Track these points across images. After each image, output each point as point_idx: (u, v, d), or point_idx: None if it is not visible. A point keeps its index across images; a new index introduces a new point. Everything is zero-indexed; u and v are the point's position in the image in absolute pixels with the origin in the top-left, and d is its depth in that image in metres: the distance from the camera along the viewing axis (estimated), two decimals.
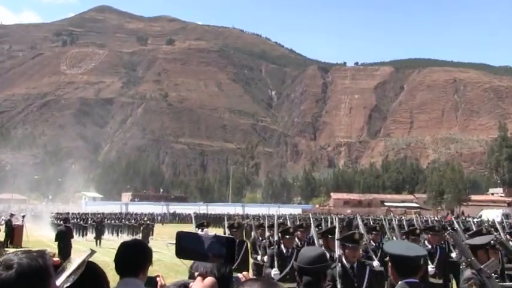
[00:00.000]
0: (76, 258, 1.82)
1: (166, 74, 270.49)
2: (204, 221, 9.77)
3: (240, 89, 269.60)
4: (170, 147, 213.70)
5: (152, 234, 30.52)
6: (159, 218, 62.28)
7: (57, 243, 16.91)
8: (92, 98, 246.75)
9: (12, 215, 28.13)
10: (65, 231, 17.07)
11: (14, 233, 25.36)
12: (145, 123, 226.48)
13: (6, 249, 22.79)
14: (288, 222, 12.38)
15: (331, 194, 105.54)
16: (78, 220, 33.89)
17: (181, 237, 1.79)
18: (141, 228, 30.61)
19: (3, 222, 25.57)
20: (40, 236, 36.29)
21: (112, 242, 28.68)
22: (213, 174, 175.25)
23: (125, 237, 33.68)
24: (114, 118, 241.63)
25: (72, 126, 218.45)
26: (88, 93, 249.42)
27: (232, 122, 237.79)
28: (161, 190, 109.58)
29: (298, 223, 11.59)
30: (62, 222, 21.09)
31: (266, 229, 9.90)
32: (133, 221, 34.35)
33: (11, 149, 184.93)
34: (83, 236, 31.93)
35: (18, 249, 1.44)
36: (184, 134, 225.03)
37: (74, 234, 28.49)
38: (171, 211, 71.91)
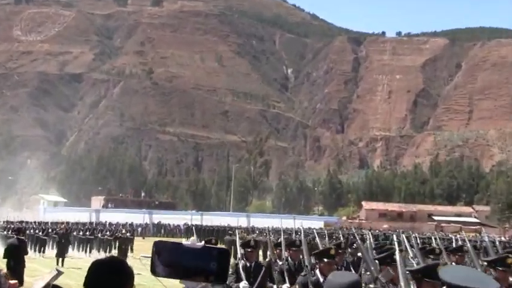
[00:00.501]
0: (39, 281, 1.81)
1: (152, 44, 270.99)
2: (212, 237, 9.56)
3: (247, 65, 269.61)
4: (155, 139, 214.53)
5: (131, 251, 30.41)
6: (140, 229, 62.49)
7: (6, 260, 16.75)
8: (54, 73, 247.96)
9: None
10: (17, 245, 16.92)
11: None
12: (124, 107, 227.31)
13: None
14: (317, 238, 12.15)
15: (363, 203, 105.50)
16: (35, 231, 33.86)
17: (158, 248, 1.80)
18: (117, 242, 30.49)
19: None
20: None
21: (79, 260, 28.57)
22: (210, 174, 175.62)
23: (97, 254, 33.61)
24: (83, 100, 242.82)
25: (29, 110, 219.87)
26: (50, 66, 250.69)
27: (236, 108, 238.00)
28: (143, 194, 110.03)
29: (330, 240, 11.44)
30: (13, 233, 20.95)
31: (283, 248, 9.70)
32: (107, 233, 34.34)
33: None
34: (40, 251, 31.90)
35: None
36: (173, 121, 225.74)
37: (29, 249, 28.41)
38: (155, 221, 72.10)
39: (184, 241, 1.82)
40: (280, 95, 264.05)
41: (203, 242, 1.84)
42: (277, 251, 10.03)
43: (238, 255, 8.17)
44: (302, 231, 10.27)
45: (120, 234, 31.16)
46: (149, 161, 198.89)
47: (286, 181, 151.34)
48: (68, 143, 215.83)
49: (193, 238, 1.92)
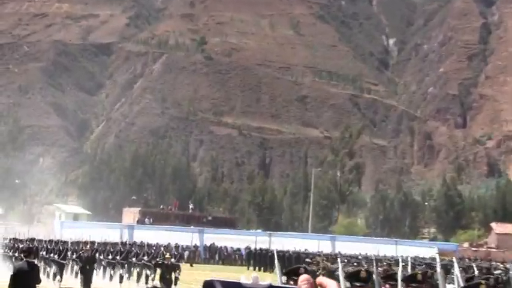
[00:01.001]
0: None
1: (204, 4, 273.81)
2: (301, 266, 9.31)
3: (332, 33, 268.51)
4: (208, 133, 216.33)
5: (175, 283, 30.20)
6: (187, 253, 62.83)
7: None
8: (75, 44, 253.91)
9: None
10: (27, 270, 17.06)
11: None
12: (167, 89, 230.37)
13: None
14: (438, 269, 11.74)
15: (492, 224, 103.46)
16: (50, 253, 34.29)
17: None
18: (159, 269, 30.51)
19: None
20: None
21: None
22: (282, 181, 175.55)
23: (130, 284, 33.85)
24: (113, 79, 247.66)
25: (42, 91, 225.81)
26: (69, 34, 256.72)
27: (317, 92, 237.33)
28: (191, 206, 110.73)
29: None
30: (21, 254, 21.15)
31: (400, 283, 9.53)
32: (144, 257, 34.48)
33: None
34: (55, 278, 32.28)
35: None
36: (232, 109, 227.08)
37: (42, 275, 28.76)
38: (207, 243, 72.53)
39: (243, 278, 1.81)
40: (378, 75, 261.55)
41: (269, 282, 1.82)
42: (387, 287, 9.82)
43: None
44: (409, 263, 10.15)
45: (162, 260, 31.11)
46: (200, 162, 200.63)
47: (385, 192, 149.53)
48: (92, 136, 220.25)
49: (255, 275, 1.88)
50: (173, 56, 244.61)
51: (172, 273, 29.93)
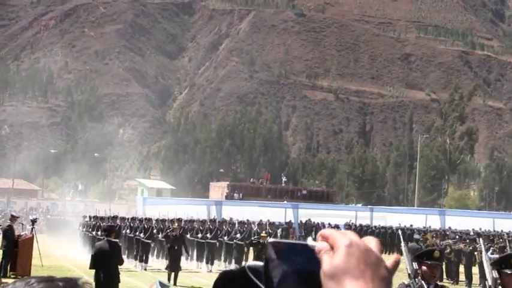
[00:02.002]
0: None
1: None
2: (435, 248, 9.95)
3: None
4: (302, 98, 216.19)
5: None
6: (280, 231, 63.02)
7: (94, 271, 17.34)
8: (155, 3, 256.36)
9: (13, 218, 29.40)
10: (108, 250, 17.35)
11: (17, 251, 26.63)
12: (255, 50, 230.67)
13: (4, 280, 24.29)
14: None
15: None
16: (134, 232, 34.97)
17: (276, 251, 1.79)
18: (253, 248, 30.78)
19: None
20: (63, 257, 38.42)
21: (196, 274, 29.38)
22: (384, 150, 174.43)
23: (223, 264, 34.30)
24: (196, 40, 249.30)
25: (119, 56, 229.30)
26: None
27: (423, 49, 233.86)
28: (284, 179, 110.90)
29: None
30: (102, 233, 21.62)
31: None
32: (236, 235, 34.73)
33: (11, 97, 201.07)
34: (142, 260, 32.99)
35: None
36: (328, 71, 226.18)
37: (125, 256, 29.41)
38: (303, 219, 72.52)
39: (310, 239, 1.79)
40: (492, 29, 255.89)
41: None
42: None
43: (409, 271, 9.15)
44: None
45: (257, 238, 31.21)
46: (293, 131, 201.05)
47: (501, 161, 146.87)
48: (175, 104, 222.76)
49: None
50: (261, 14, 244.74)
51: None
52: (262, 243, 26.54)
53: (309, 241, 1.79)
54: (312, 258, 1.75)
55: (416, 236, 36.07)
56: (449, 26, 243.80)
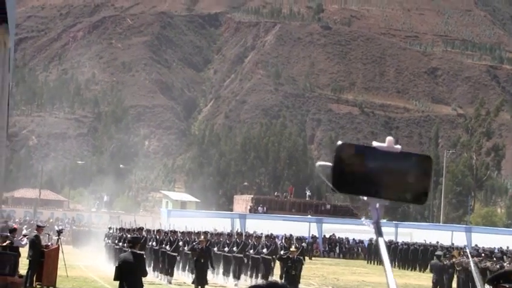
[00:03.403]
0: None
1: None
2: None
3: None
4: (327, 111, 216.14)
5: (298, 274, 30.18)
6: (305, 245, 63.20)
7: (118, 283, 17.58)
8: (181, 15, 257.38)
9: (40, 229, 29.71)
10: (132, 262, 17.55)
11: (43, 261, 26.97)
12: (280, 62, 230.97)
13: None
14: None
15: None
16: (160, 244, 35.26)
17: (343, 153, 1.98)
18: (281, 263, 30.90)
19: (25, 241, 27.24)
20: (88, 268, 38.86)
21: None
22: None
23: (249, 280, 34.40)
24: (222, 53, 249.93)
25: (146, 68, 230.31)
26: (175, 4, 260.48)
27: (450, 63, 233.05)
28: (308, 193, 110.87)
29: None
30: (127, 245, 21.90)
31: None
32: (264, 249, 34.74)
33: (39, 108, 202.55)
34: (167, 273, 33.26)
35: None
36: (353, 85, 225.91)
37: (149, 268, 29.71)
38: (327, 234, 72.72)
39: (375, 143, 1.99)
40: None
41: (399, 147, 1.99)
42: None
43: None
44: None
45: (286, 253, 31.21)
46: (318, 144, 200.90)
47: None
48: (200, 116, 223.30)
49: (390, 138, 2.07)
50: (287, 26, 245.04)
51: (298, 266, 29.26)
52: (291, 258, 26.39)
53: (374, 143, 2.04)
54: (374, 161, 1.98)
55: (438, 253, 36.06)
56: (476, 40, 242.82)
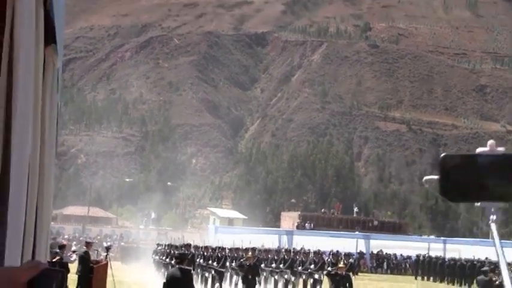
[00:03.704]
0: None
1: None
2: None
3: None
4: (374, 129, 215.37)
5: None
6: (352, 261, 62.99)
7: None
8: (228, 34, 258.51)
9: (89, 245, 30.03)
10: (180, 277, 17.66)
11: (92, 277, 27.20)
12: (327, 81, 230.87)
13: None
14: None
15: None
16: (207, 260, 35.36)
17: (448, 164, 2.09)
18: (330, 279, 30.79)
19: (74, 257, 27.47)
20: (136, 284, 39.10)
21: None
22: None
23: None
24: (269, 71, 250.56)
25: (193, 87, 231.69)
26: (222, 24, 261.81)
27: (498, 81, 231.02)
28: (355, 210, 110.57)
29: None
30: (175, 260, 22.01)
31: None
32: (311, 265, 34.63)
33: (87, 127, 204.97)
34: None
35: None
36: (401, 102, 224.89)
37: (199, 284, 29.79)
38: (374, 250, 72.44)
39: (479, 149, 2.05)
40: None
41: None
42: None
43: None
44: None
45: (335, 269, 31.05)
46: (365, 162, 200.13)
47: None
48: (247, 135, 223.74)
49: (491, 141, 2.13)
50: (334, 45, 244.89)
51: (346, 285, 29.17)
52: (340, 274, 26.20)
53: (478, 150, 2.12)
54: (478, 166, 2.07)
55: (484, 268, 35.72)
56: None
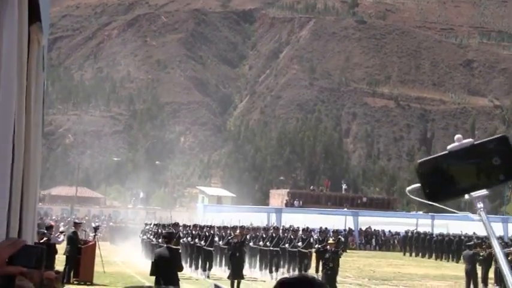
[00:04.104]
0: None
1: None
2: None
3: None
4: (362, 105, 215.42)
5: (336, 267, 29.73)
6: (342, 238, 63.28)
7: (154, 278, 17.67)
8: (215, 12, 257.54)
9: (77, 225, 30.15)
10: (168, 257, 17.58)
11: (80, 257, 27.19)
12: (315, 57, 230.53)
13: (68, 286, 24.86)
14: None
15: None
16: (194, 238, 35.36)
17: (423, 169, 2.12)
18: (318, 255, 30.64)
19: (62, 237, 27.47)
20: (125, 263, 39.09)
21: (261, 284, 29.76)
22: None
23: (286, 274, 34.26)
24: (257, 49, 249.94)
25: (181, 65, 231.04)
26: (209, 1, 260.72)
27: (485, 55, 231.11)
28: (344, 187, 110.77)
29: None
30: (163, 240, 22.00)
31: None
32: (299, 243, 34.55)
33: (75, 106, 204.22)
34: (204, 268, 33.25)
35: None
36: (389, 78, 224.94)
37: (185, 263, 29.73)
38: (363, 227, 72.61)
39: (448, 147, 2.08)
40: None
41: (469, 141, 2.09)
42: None
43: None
44: None
45: (322, 246, 31.01)
46: (353, 138, 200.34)
47: None
48: (235, 112, 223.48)
49: (459, 136, 2.14)
50: (322, 21, 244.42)
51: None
52: (329, 251, 25.98)
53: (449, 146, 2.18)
54: (450, 162, 2.15)
55: (470, 243, 36.06)
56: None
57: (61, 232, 30.23)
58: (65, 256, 26.79)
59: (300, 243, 34.14)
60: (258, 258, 35.09)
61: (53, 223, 35.97)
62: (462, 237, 54.97)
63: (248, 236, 35.55)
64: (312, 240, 35.56)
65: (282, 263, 34.77)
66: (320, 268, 29.04)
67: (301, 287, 2.68)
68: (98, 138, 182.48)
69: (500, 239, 48.15)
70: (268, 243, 34.33)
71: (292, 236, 34.90)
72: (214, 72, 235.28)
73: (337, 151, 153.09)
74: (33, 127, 5.50)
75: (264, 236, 35.56)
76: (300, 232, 36.45)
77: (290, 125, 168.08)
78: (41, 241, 22.43)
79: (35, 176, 5.75)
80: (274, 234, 35.23)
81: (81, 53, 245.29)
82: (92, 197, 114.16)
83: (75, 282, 26.25)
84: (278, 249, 34.40)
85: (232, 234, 31.00)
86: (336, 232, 43.78)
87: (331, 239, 29.37)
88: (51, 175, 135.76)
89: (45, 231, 25.17)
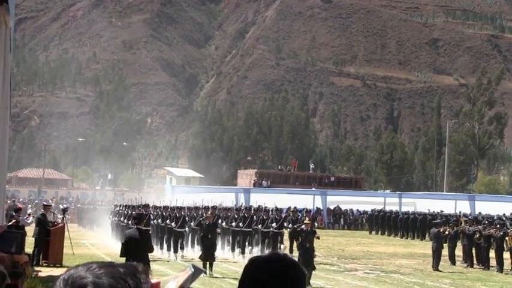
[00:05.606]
0: (170, 283, 2.15)
1: None
2: None
3: None
4: (329, 84, 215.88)
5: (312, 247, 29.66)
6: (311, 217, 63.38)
7: (124, 259, 17.41)
8: None
9: (46, 208, 29.95)
10: (138, 238, 17.49)
11: (49, 240, 27.01)
12: (282, 37, 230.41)
13: (38, 268, 24.64)
14: None
15: None
16: (165, 220, 35.09)
17: None
18: (294, 235, 30.67)
19: (30, 219, 27.21)
20: (94, 245, 38.89)
21: (232, 264, 29.56)
22: (412, 136, 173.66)
23: (259, 254, 34.14)
24: (223, 28, 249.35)
25: (147, 45, 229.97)
26: None
27: (451, 34, 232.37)
28: (311, 166, 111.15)
29: None
30: (132, 221, 21.87)
31: None
32: (273, 224, 34.43)
33: (40, 88, 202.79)
34: (176, 250, 32.97)
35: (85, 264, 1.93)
36: (355, 57, 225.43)
37: (157, 246, 29.51)
38: (331, 206, 72.73)
39: None
40: None
41: None
42: None
43: None
44: None
45: (299, 226, 30.99)
46: (320, 118, 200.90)
47: None
48: (202, 93, 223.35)
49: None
50: (288, 1, 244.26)
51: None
52: (305, 231, 25.74)
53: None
54: None
55: (436, 221, 36.27)
56: (477, 9, 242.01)
57: (29, 214, 29.96)
58: (33, 238, 26.66)
59: (274, 224, 33.86)
60: (230, 238, 34.89)
61: (21, 205, 35.62)
62: (427, 216, 55.17)
63: (220, 217, 35.41)
64: (284, 220, 35.41)
65: (254, 243, 34.62)
66: (294, 248, 29.01)
67: (273, 265, 2.65)
68: (64, 120, 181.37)
69: (467, 216, 48.56)
70: (240, 224, 34.08)
71: (264, 216, 34.62)
72: (180, 52, 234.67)
73: (304, 131, 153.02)
74: (1, 110, 5.30)
75: (236, 216, 35.34)
76: (272, 212, 36.18)
77: (257, 105, 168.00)
78: (10, 223, 22.19)
79: (2, 159, 5.56)
80: (246, 215, 34.91)
81: (46, 34, 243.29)
82: (59, 179, 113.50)
83: (44, 265, 26.06)
84: (251, 229, 34.19)
85: (204, 215, 30.75)
86: (308, 212, 43.77)
87: (307, 219, 29.19)
88: (17, 157, 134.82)
89: (14, 213, 24.95)
